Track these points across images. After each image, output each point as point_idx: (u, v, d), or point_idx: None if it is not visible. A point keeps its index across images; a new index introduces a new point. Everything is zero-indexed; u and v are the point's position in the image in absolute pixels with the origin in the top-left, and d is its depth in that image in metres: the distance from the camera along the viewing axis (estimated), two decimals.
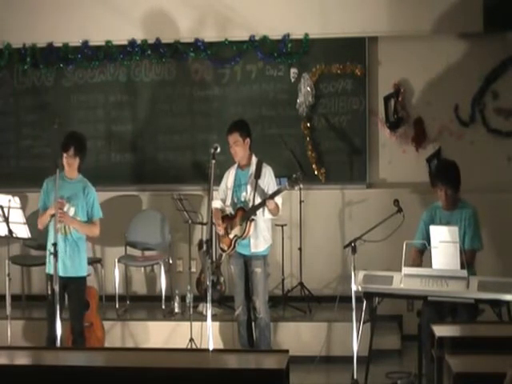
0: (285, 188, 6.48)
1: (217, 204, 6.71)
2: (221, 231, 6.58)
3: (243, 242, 6.53)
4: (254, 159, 6.64)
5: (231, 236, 6.56)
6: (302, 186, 6.65)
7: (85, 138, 6.51)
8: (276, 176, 6.68)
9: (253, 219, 6.47)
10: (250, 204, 6.49)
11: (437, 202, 6.28)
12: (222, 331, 7.12)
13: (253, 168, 6.59)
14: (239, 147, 6.58)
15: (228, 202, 6.65)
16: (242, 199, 6.59)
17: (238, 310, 6.69)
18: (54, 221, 6.11)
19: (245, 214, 6.48)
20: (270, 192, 6.48)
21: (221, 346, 6.96)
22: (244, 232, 6.47)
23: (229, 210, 6.64)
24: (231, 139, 6.60)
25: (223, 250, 6.68)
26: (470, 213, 6.16)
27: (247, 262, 6.61)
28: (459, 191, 6.22)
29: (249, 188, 6.55)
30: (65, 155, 6.25)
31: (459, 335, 5.02)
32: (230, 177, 6.69)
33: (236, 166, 6.71)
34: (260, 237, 6.55)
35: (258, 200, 6.46)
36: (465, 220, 6.12)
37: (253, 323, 6.70)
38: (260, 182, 6.52)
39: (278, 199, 6.48)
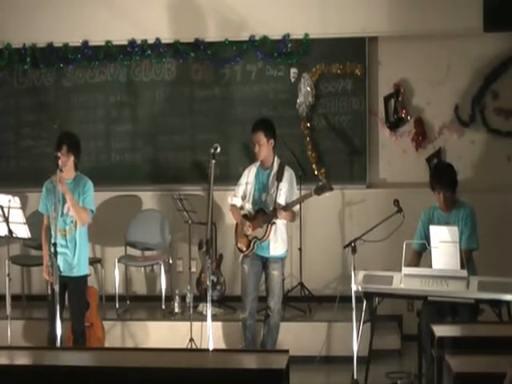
0: (309, 195, 6.47)
1: (236, 201, 6.68)
2: (248, 231, 6.51)
3: (262, 244, 6.50)
4: (277, 161, 6.60)
5: (250, 237, 6.52)
6: (328, 194, 6.56)
7: (77, 136, 6.48)
8: None
9: (274, 222, 6.44)
10: (270, 206, 6.45)
11: (435, 203, 6.28)
12: (222, 331, 7.12)
13: (275, 170, 6.54)
14: (263, 146, 6.52)
15: (250, 198, 6.59)
16: (263, 199, 6.55)
17: (245, 313, 6.64)
18: (54, 221, 6.11)
19: (266, 216, 6.44)
20: (288, 197, 6.47)
21: (221, 346, 6.96)
22: (264, 235, 6.45)
23: (248, 208, 6.59)
24: (255, 138, 6.54)
25: (241, 251, 6.61)
26: (468, 213, 6.16)
27: (264, 264, 6.57)
28: (456, 192, 6.23)
29: (270, 190, 6.51)
30: (59, 154, 6.24)
31: (459, 335, 5.02)
32: (250, 174, 6.63)
33: (258, 164, 6.65)
34: (279, 240, 6.54)
35: (279, 201, 6.43)
36: (462, 220, 6.13)
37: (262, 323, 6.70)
38: (281, 185, 6.48)
39: (296, 206, 6.49)
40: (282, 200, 6.46)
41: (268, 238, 6.46)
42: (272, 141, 6.56)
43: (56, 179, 6.06)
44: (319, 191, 6.38)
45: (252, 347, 6.64)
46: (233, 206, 6.71)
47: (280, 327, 6.89)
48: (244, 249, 6.56)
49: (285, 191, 6.49)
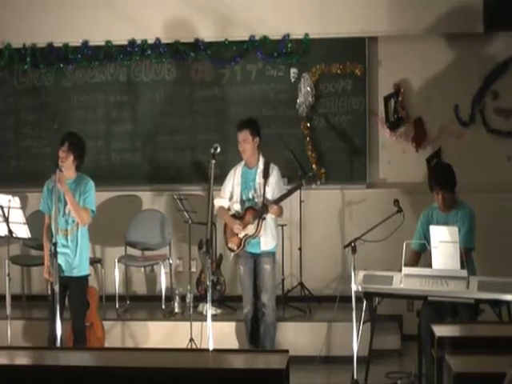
0: (298, 187, 6.62)
1: (223, 203, 6.73)
2: (239, 229, 6.56)
3: (253, 241, 6.57)
4: (262, 159, 6.66)
5: (241, 235, 6.57)
6: (319, 183, 6.79)
7: (82, 138, 6.45)
8: None
9: (264, 217, 6.50)
10: (259, 203, 6.52)
11: (434, 203, 6.28)
12: (221, 331, 7.10)
13: (261, 167, 6.62)
14: (248, 145, 6.61)
15: (237, 198, 6.66)
16: (251, 197, 6.61)
17: (247, 308, 6.74)
18: (55, 221, 6.11)
19: (256, 212, 6.50)
20: (276, 193, 6.52)
21: (221, 346, 6.94)
22: (256, 231, 6.50)
23: (236, 208, 6.66)
24: (241, 136, 6.63)
25: (232, 250, 6.68)
26: (466, 213, 6.16)
27: (256, 260, 6.64)
28: (455, 192, 6.22)
29: (257, 187, 6.58)
30: (60, 151, 6.24)
31: (459, 335, 5.02)
32: (236, 174, 6.70)
33: (243, 164, 6.73)
34: (269, 235, 6.62)
35: (267, 197, 6.51)
36: (461, 220, 6.13)
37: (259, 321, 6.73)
38: (268, 181, 6.55)
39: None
40: (269, 196, 6.55)
41: (259, 233, 6.53)
42: (257, 139, 6.64)
43: (55, 179, 6.05)
44: (310, 182, 6.63)
45: (251, 338, 6.74)
46: (220, 207, 6.75)
47: (280, 327, 6.91)
48: (235, 248, 6.65)
49: (272, 187, 6.58)
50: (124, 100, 8.32)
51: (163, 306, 7.66)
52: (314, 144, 8.05)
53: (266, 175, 6.56)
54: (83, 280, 6.38)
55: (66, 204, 6.21)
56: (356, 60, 7.95)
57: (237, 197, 6.67)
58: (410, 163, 7.98)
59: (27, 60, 8.25)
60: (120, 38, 8.13)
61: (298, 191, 7.36)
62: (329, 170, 8.02)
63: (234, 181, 6.70)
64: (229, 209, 6.74)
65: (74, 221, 6.25)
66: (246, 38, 7.98)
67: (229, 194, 6.72)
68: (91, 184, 6.33)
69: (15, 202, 6.27)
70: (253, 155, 6.66)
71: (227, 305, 7.62)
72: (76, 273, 6.28)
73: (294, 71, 8.04)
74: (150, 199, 8.30)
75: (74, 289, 6.28)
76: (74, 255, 6.26)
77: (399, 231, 6.11)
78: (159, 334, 7.29)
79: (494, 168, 7.84)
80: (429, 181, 6.28)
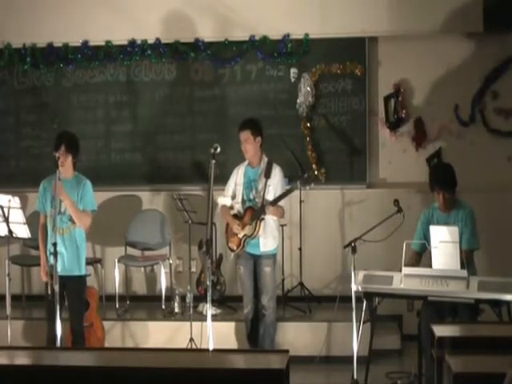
0: (296, 187, 6.58)
1: (225, 201, 6.74)
2: (238, 229, 6.57)
3: (252, 242, 6.57)
4: (265, 158, 6.67)
5: (240, 235, 6.58)
6: (313, 185, 6.77)
7: (76, 136, 6.45)
8: None
9: (263, 218, 6.49)
10: (259, 203, 6.52)
11: (434, 203, 6.28)
12: (221, 331, 7.10)
13: (263, 167, 6.62)
14: (250, 145, 6.61)
15: (239, 198, 6.67)
16: (251, 197, 6.61)
17: (247, 308, 6.75)
18: (53, 221, 6.10)
19: (254, 213, 6.50)
20: (278, 193, 6.52)
21: (221, 346, 6.94)
22: (254, 231, 6.50)
23: (238, 208, 6.66)
24: (242, 136, 6.64)
25: (232, 250, 6.70)
26: (467, 213, 6.16)
27: (256, 261, 6.64)
28: (456, 192, 6.23)
29: (258, 187, 6.58)
30: (57, 154, 6.23)
31: (459, 335, 5.02)
32: (239, 174, 6.71)
33: (246, 163, 6.73)
34: (269, 236, 6.60)
35: (267, 198, 6.50)
36: (462, 220, 6.12)
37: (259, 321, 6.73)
38: (270, 181, 6.54)
39: (281, 201, 6.52)
40: (270, 196, 6.55)
41: (257, 234, 6.52)
42: (259, 138, 6.64)
43: (55, 188, 6.02)
44: (305, 183, 6.59)
45: (251, 339, 6.75)
46: (223, 206, 6.76)
47: (280, 327, 6.91)
48: (235, 248, 6.66)
49: (273, 187, 6.58)
50: (124, 100, 8.32)
51: (163, 306, 7.66)
52: (314, 144, 8.04)
53: (267, 175, 6.56)
54: (81, 280, 6.38)
55: (61, 202, 6.19)
56: (356, 60, 7.95)
57: (239, 196, 6.67)
58: (410, 163, 7.98)
59: (27, 60, 8.25)
60: (120, 38, 8.13)
61: (298, 191, 7.38)
62: (329, 170, 8.01)
63: (236, 180, 6.70)
64: (232, 207, 6.74)
65: (69, 219, 6.23)
66: (246, 38, 7.98)
67: (232, 193, 6.72)
68: (88, 184, 6.33)
69: (15, 202, 6.27)
70: (255, 155, 6.65)
71: (227, 305, 7.62)
72: (73, 273, 6.26)
73: (294, 71, 8.04)
74: (149, 199, 8.30)
75: (71, 289, 6.27)
76: (70, 255, 6.24)
77: (399, 231, 6.10)
78: (159, 334, 7.29)
79: (493, 168, 7.84)
80: (429, 181, 6.28)
